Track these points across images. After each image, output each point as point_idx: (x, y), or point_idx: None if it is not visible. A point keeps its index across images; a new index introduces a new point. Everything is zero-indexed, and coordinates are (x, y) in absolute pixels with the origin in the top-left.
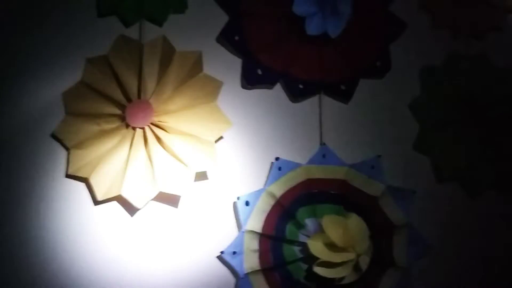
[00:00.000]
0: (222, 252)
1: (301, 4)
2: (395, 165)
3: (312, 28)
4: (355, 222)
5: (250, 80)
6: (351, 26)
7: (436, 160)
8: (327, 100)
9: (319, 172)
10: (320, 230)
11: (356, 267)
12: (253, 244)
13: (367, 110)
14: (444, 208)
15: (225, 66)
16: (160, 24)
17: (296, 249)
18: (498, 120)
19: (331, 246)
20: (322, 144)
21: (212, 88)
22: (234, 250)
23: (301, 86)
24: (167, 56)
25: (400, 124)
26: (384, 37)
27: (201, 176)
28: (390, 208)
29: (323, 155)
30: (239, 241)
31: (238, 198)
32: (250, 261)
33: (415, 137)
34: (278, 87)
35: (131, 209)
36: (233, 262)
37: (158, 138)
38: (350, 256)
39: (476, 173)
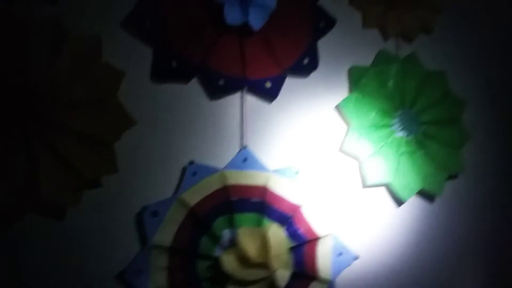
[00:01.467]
0: (122, 271)
1: None
2: (321, 170)
3: (231, 17)
4: (274, 233)
5: (162, 73)
6: (277, 19)
7: (362, 165)
8: (250, 99)
9: (239, 178)
10: (236, 243)
11: (273, 284)
12: (161, 260)
13: (292, 110)
14: (370, 216)
15: (132, 55)
16: (53, 2)
17: (211, 265)
18: (429, 124)
19: (245, 261)
20: (243, 147)
21: (113, 79)
22: (138, 268)
23: (221, 82)
24: (59, 39)
25: (326, 126)
26: (312, 33)
27: (96, 183)
28: (314, 217)
29: (244, 159)
30: (143, 258)
31: (144, 208)
32: (157, 281)
33: (343, 139)
34: (194, 82)
35: None
36: (136, 282)
37: (44, 137)
38: (264, 273)
39: (402, 179)
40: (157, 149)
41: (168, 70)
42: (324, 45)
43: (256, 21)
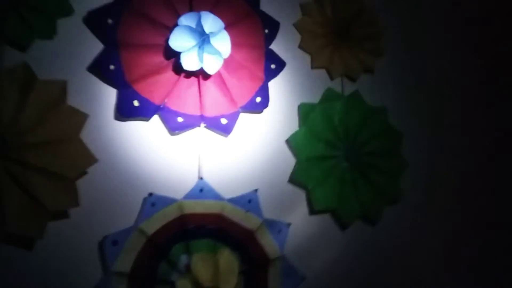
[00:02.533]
0: None
1: (177, 39)
2: (272, 199)
3: (188, 64)
4: (226, 258)
5: (125, 111)
6: (232, 62)
7: (310, 193)
8: (207, 133)
9: (195, 207)
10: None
11: None
12: (121, 286)
13: (246, 144)
14: (317, 240)
15: (97, 96)
16: (23, 49)
17: None
18: (371, 155)
19: (198, 286)
20: (200, 178)
21: (76, 121)
22: None
23: (180, 119)
24: (27, 84)
25: (277, 158)
26: (264, 74)
27: (61, 215)
28: (266, 241)
29: (200, 190)
30: (104, 285)
31: (104, 237)
32: None
33: (291, 170)
34: (155, 119)
35: None
36: None
37: (11, 175)
38: None
39: (346, 206)
40: (119, 182)
41: (131, 109)
42: (276, 84)
43: (211, 66)
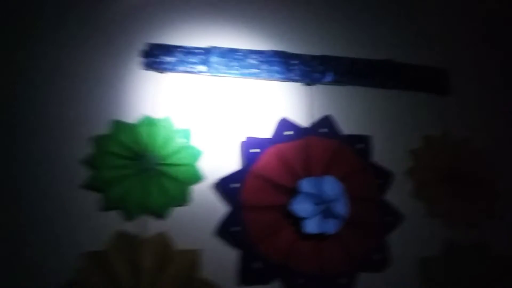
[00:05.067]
0: None
1: (300, 204)
2: None
3: (309, 228)
4: None
5: (247, 278)
6: (350, 218)
7: None
8: None
9: None
10: None
11: None
12: None
13: None
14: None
15: (222, 261)
16: (162, 217)
17: None
18: None
19: None
20: None
21: None
22: None
23: (301, 281)
24: (165, 254)
25: None
26: (381, 228)
27: None
28: None
29: None
30: None
31: None
32: None
33: None
34: (277, 283)
35: None
36: None
37: None
38: None
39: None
40: None
41: (253, 273)
42: (394, 237)
43: (331, 229)
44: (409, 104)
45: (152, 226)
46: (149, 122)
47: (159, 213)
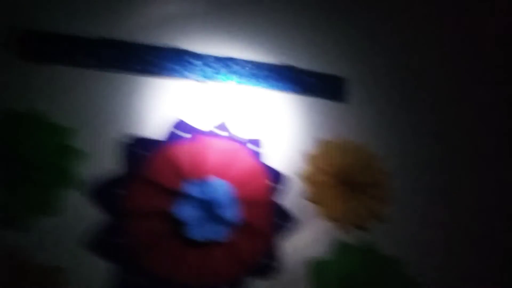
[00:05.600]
0: None
1: (184, 208)
2: None
3: (195, 235)
4: None
5: None
6: (241, 224)
7: None
8: None
9: None
10: None
11: None
12: None
13: None
14: None
15: (93, 278)
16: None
17: None
18: None
19: None
20: None
21: None
22: None
23: None
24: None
25: None
26: (272, 232)
27: None
28: None
29: None
30: None
31: None
32: None
33: None
34: None
35: None
36: None
37: None
38: None
39: None
40: None
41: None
42: (286, 241)
43: (219, 236)
44: (307, 109)
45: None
46: (14, 116)
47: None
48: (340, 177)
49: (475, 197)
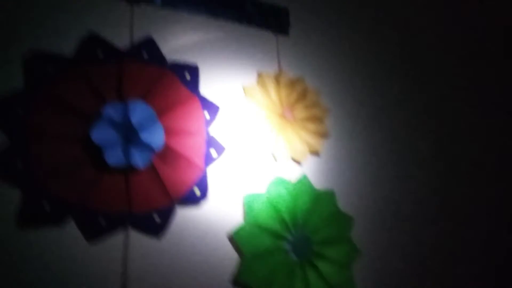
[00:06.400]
0: None
1: (100, 131)
2: None
3: (112, 159)
4: None
5: (31, 216)
6: (166, 150)
7: None
8: (135, 235)
9: None
10: None
11: None
12: None
13: (183, 243)
14: None
15: None
16: None
17: None
18: (321, 244)
19: None
20: None
21: None
22: None
23: (103, 222)
24: None
25: (219, 257)
26: (203, 162)
27: None
28: None
29: None
30: None
31: None
32: None
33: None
34: (71, 225)
35: None
36: None
37: None
38: None
39: None
40: None
41: (38, 213)
42: (217, 173)
43: (140, 161)
44: (247, 40)
45: None
46: None
47: None
48: (279, 111)
49: (406, 124)
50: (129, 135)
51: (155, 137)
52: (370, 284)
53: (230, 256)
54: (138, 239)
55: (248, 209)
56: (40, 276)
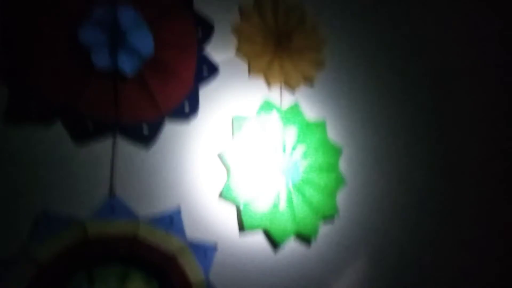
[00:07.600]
0: None
1: (88, 32)
2: (198, 217)
3: (100, 61)
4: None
5: (18, 114)
6: (157, 63)
7: (241, 212)
8: (123, 144)
9: (104, 229)
10: None
11: None
12: None
13: (171, 156)
14: (246, 261)
15: None
16: None
17: None
18: (308, 171)
19: None
20: (112, 196)
21: None
22: None
23: (90, 126)
24: None
25: (207, 173)
26: (195, 80)
27: None
28: (189, 266)
29: (112, 209)
30: None
31: None
32: None
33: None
34: (59, 126)
35: None
36: None
37: None
38: None
39: (279, 224)
40: (6, 197)
41: (26, 111)
42: (208, 92)
43: (128, 67)
44: None
45: None
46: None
47: None
48: (275, 35)
49: (398, 56)
50: (117, 38)
51: (144, 42)
52: (357, 211)
53: (218, 174)
54: (126, 147)
55: (237, 130)
56: (28, 176)
